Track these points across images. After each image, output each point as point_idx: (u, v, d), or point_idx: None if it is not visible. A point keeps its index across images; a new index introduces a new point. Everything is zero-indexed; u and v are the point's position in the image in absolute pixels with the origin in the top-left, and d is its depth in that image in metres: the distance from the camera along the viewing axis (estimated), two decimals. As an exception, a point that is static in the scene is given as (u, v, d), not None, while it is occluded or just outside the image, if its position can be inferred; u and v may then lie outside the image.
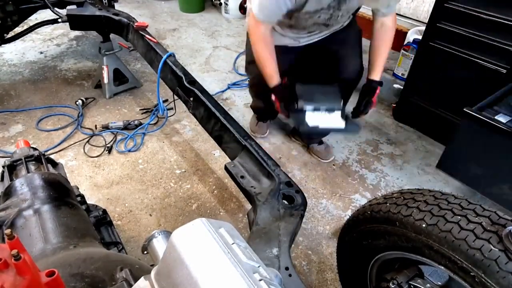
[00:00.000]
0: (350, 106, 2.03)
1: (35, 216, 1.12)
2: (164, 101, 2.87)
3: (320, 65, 2.19)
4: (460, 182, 2.00)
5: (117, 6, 3.57)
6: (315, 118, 1.82)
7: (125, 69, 3.09)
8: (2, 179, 1.37)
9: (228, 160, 1.86)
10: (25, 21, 3.06)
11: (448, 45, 2.34)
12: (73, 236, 1.10)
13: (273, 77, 1.87)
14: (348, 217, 1.42)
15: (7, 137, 2.57)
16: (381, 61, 1.94)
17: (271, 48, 1.86)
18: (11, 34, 2.94)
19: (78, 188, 1.52)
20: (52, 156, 1.99)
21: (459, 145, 1.91)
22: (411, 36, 3.20)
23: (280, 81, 1.89)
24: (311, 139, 2.52)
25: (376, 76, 1.92)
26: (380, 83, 1.94)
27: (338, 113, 1.84)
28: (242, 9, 4.69)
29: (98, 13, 2.79)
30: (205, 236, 0.61)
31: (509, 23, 2.02)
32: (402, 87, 2.83)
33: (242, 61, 3.70)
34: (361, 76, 2.17)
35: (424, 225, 0.98)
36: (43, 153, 1.45)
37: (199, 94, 2.03)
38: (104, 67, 2.92)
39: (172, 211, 2.10)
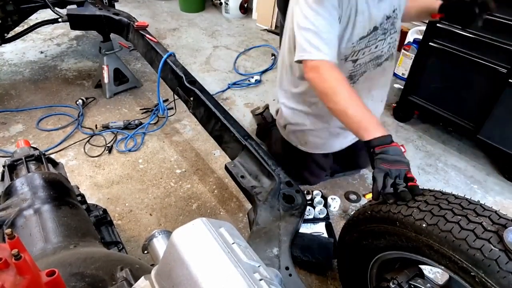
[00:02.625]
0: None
1: (36, 216, 1.12)
2: (164, 101, 2.87)
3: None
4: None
5: (118, 6, 3.57)
6: None
7: (125, 68, 3.09)
8: (3, 179, 1.37)
9: (229, 159, 1.85)
10: (26, 20, 3.07)
11: (448, 45, 2.34)
12: (73, 235, 1.10)
13: (372, 122, 1.19)
14: (348, 217, 1.42)
15: (8, 137, 2.57)
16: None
17: (345, 81, 1.28)
18: (11, 33, 2.94)
19: (79, 188, 1.52)
20: (52, 156, 1.99)
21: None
22: (411, 36, 3.20)
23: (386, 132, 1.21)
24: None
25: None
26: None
27: None
28: (242, 8, 4.69)
29: (98, 12, 2.79)
30: (205, 236, 0.61)
31: (509, 23, 2.02)
32: (402, 87, 2.82)
33: (242, 61, 3.70)
34: None
35: (424, 225, 0.98)
36: (43, 152, 1.45)
37: (199, 94, 2.03)
38: (105, 66, 2.92)
39: (173, 210, 2.10)
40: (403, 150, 1.11)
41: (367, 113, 1.18)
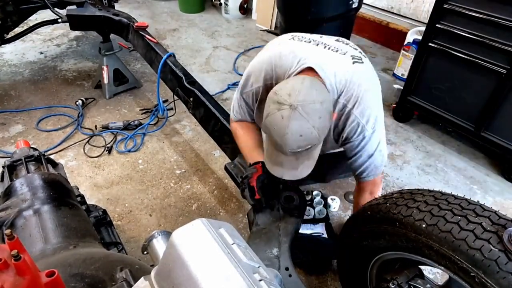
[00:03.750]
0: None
1: (35, 217, 1.12)
2: (164, 101, 2.87)
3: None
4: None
5: (117, 6, 3.57)
6: None
7: (125, 69, 3.09)
8: (2, 179, 1.37)
9: (228, 160, 1.86)
10: (25, 21, 3.07)
11: (448, 45, 2.34)
12: (73, 236, 1.10)
13: (251, 156, 1.65)
14: (348, 217, 1.42)
15: (7, 137, 2.57)
16: None
17: (252, 131, 1.72)
18: (11, 34, 2.94)
19: (78, 188, 1.52)
20: (52, 156, 2.00)
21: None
22: (411, 37, 3.21)
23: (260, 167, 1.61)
24: None
25: None
26: None
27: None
28: (242, 9, 4.70)
29: (98, 13, 2.79)
30: (205, 237, 0.61)
31: (509, 23, 2.02)
32: (402, 88, 2.83)
33: (242, 61, 3.70)
34: None
35: (424, 226, 0.98)
36: (43, 153, 1.45)
37: (199, 95, 2.03)
38: (104, 67, 2.92)
39: (172, 211, 2.10)
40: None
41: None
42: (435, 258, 0.98)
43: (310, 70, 1.34)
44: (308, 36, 1.52)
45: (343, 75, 1.36)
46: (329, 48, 1.43)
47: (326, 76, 1.34)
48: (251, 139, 1.69)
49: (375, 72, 1.49)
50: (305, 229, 1.89)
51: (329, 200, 2.11)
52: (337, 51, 1.42)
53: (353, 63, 1.40)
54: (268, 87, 1.44)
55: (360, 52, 1.48)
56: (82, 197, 1.47)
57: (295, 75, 1.37)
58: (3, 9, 2.70)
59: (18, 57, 3.55)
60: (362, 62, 1.43)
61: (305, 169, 1.33)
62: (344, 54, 1.42)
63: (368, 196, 1.55)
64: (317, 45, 1.45)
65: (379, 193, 1.58)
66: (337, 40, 1.49)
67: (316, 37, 1.50)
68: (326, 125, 1.24)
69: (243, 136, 1.70)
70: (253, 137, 1.71)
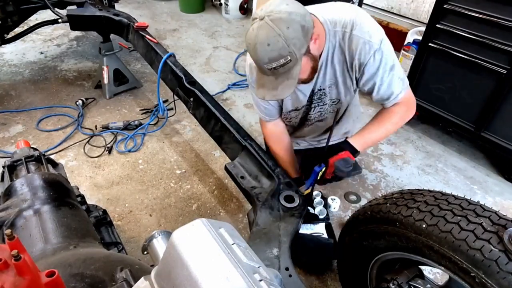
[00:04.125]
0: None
1: (35, 217, 1.12)
2: (164, 102, 2.87)
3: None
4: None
5: (117, 7, 3.57)
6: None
7: (125, 69, 3.09)
8: (3, 179, 1.38)
9: (228, 160, 1.85)
10: (26, 21, 3.07)
11: (448, 45, 2.34)
12: (73, 236, 1.10)
13: (288, 170, 1.81)
14: (348, 217, 1.42)
15: (8, 137, 2.57)
16: (368, 130, 1.62)
17: (283, 144, 1.88)
18: (11, 34, 2.94)
19: (78, 189, 1.53)
20: (52, 157, 2.00)
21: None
22: (411, 37, 3.20)
23: (299, 174, 1.91)
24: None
25: (352, 140, 1.59)
26: (351, 149, 1.57)
27: None
28: (242, 9, 4.70)
29: (98, 13, 2.79)
30: (205, 237, 0.61)
31: (509, 23, 2.02)
32: (402, 88, 2.82)
33: (242, 62, 3.70)
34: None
35: (424, 226, 0.98)
36: (43, 153, 1.45)
37: (199, 95, 2.03)
38: (105, 67, 2.92)
39: (172, 211, 2.10)
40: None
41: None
42: (435, 258, 0.98)
43: None
44: None
45: (332, 8, 1.48)
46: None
47: (316, 12, 1.43)
48: (287, 156, 1.87)
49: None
50: (305, 229, 1.89)
51: (329, 200, 2.11)
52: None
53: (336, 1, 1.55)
54: None
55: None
56: (82, 197, 1.47)
57: None
58: (3, 9, 2.70)
59: (19, 57, 3.55)
60: (353, 2, 1.54)
61: (285, 89, 1.38)
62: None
63: (394, 112, 1.56)
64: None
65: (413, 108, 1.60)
66: None
67: None
68: (297, 36, 1.25)
69: (279, 154, 1.86)
70: (288, 154, 1.88)
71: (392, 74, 1.46)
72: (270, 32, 1.22)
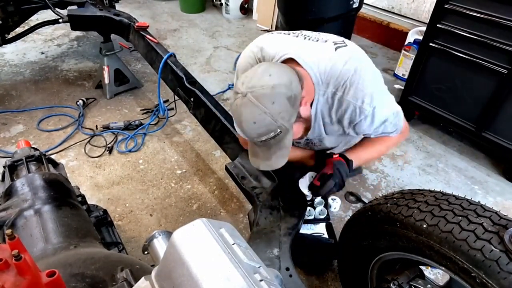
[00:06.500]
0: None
1: (36, 216, 1.12)
2: (164, 102, 2.87)
3: None
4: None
5: (118, 7, 3.57)
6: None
7: (126, 69, 3.09)
8: (3, 179, 1.38)
9: (229, 160, 1.86)
10: (26, 21, 3.07)
11: (448, 45, 2.34)
12: (73, 236, 1.10)
13: (304, 162, 1.73)
14: (349, 217, 1.42)
15: (8, 137, 2.57)
16: (361, 148, 1.62)
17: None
18: (12, 34, 2.94)
19: (79, 188, 1.52)
20: (53, 157, 2.00)
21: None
22: (411, 37, 3.20)
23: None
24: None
25: (347, 154, 1.58)
26: (345, 162, 1.54)
27: None
28: (243, 9, 4.70)
29: (99, 13, 2.80)
30: (205, 237, 0.61)
31: (510, 23, 2.02)
32: (402, 88, 2.82)
33: (242, 62, 3.70)
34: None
35: (425, 226, 0.98)
36: (44, 153, 1.45)
37: (200, 95, 2.03)
38: (105, 67, 2.92)
39: (173, 211, 2.10)
40: None
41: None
42: (436, 259, 0.98)
43: (292, 61, 1.32)
44: (286, 31, 1.52)
45: (326, 63, 1.33)
46: (309, 39, 1.41)
47: (309, 66, 1.31)
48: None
49: (362, 50, 1.45)
50: (306, 229, 1.89)
51: (329, 201, 2.11)
52: (317, 40, 1.40)
53: (336, 49, 1.36)
54: None
55: (343, 40, 1.44)
56: (83, 197, 1.47)
57: None
58: (4, 9, 2.70)
59: (19, 57, 3.55)
60: (346, 45, 1.39)
61: (279, 159, 1.31)
62: (326, 41, 1.39)
63: (389, 139, 1.55)
64: (297, 36, 1.44)
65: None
66: (318, 32, 1.48)
67: (294, 31, 1.50)
68: (284, 109, 1.16)
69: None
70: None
71: (385, 125, 1.42)
72: (255, 110, 1.14)
